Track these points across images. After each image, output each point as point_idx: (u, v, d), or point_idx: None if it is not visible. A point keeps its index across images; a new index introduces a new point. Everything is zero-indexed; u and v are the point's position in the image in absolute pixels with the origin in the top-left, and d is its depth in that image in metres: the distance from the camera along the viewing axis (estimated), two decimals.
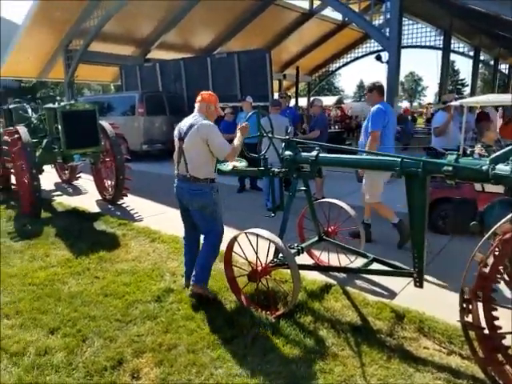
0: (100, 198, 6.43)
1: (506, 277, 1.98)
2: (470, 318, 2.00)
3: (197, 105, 3.15)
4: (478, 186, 4.12)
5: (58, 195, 6.87)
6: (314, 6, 17.53)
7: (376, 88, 4.32)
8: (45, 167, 6.12)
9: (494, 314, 1.96)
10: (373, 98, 4.34)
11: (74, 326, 2.74)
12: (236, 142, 3.11)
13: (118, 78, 14.88)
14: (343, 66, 23.46)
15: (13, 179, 6.00)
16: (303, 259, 3.48)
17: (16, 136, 5.30)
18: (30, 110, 6.90)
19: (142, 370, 2.32)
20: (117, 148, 5.92)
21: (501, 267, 1.93)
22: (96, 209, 5.95)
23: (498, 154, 2.32)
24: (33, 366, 2.34)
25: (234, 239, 3.01)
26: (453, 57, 17.64)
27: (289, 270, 2.84)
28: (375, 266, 3.26)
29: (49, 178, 7.42)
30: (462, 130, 6.35)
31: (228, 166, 3.42)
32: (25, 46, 13.37)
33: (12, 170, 5.74)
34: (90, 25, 12.77)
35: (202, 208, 3.04)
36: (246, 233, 2.97)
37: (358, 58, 22.39)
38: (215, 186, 3.07)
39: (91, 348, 2.51)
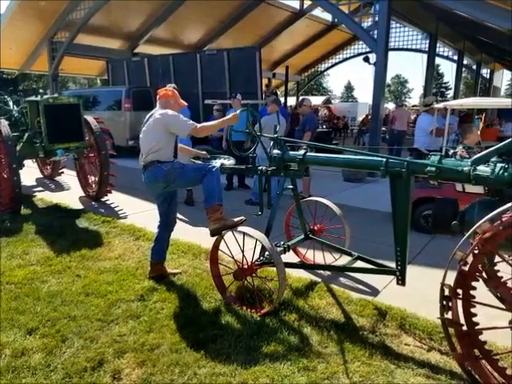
0: (83, 194, 6.31)
1: (484, 275, 2.02)
2: (449, 315, 2.03)
3: (157, 103, 3.28)
4: (459, 187, 4.21)
5: (39, 191, 6.71)
6: (305, 5, 17.61)
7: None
8: (26, 162, 5.98)
9: (473, 310, 2.00)
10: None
11: (53, 327, 2.67)
12: (217, 121, 3.28)
13: (105, 71, 14.65)
14: (332, 66, 23.61)
15: None
16: (289, 257, 3.50)
17: None
18: (11, 103, 6.73)
19: (124, 371, 2.28)
20: (101, 143, 5.81)
21: (480, 266, 1.98)
22: (79, 205, 5.84)
23: (479, 155, 2.37)
24: (8, 369, 2.25)
25: (221, 237, 3.00)
26: (437, 60, 17.93)
27: (275, 268, 2.85)
28: (359, 264, 3.30)
29: (30, 173, 7.26)
30: (445, 131, 6.51)
31: (216, 164, 3.41)
32: (7, 35, 12.99)
33: None
34: (77, 16, 12.51)
35: (166, 182, 3.09)
36: (232, 231, 2.96)
37: (346, 59, 22.57)
38: (164, 163, 3.10)
39: (71, 349, 2.45)
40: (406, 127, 10.37)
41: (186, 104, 3.39)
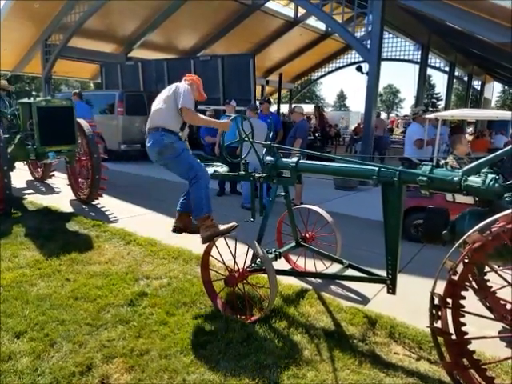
0: (74, 197, 6.25)
1: (474, 284, 2.04)
2: (438, 324, 2.04)
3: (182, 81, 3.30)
4: (449, 196, 4.26)
5: (29, 193, 6.64)
6: (299, 14, 17.82)
7: (76, 94, 8.06)
8: (16, 164, 5.93)
9: (462, 320, 2.02)
10: (75, 99, 7.46)
11: (41, 330, 2.63)
12: (209, 118, 3.33)
13: (98, 75, 14.63)
14: (325, 75, 23.88)
15: None
16: (280, 264, 3.49)
17: None
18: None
19: (112, 376, 2.26)
20: (93, 147, 5.78)
21: (469, 275, 2.00)
22: (69, 209, 5.78)
23: (470, 166, 2.40)
24: None
25: (213, 243, 2.99)
26: (429, 71, 18.26)
27: (265, 275, 2.84)
28: (350, 272, 3.31)
29: (20, 175, 7.18)
30: (437, 141, 6.58)
31: (209, 171, 3.41)
32: (1, 37, 12.93)
33: None
34: (71, 20, 12.50)
35: (159, 154, 3.11)
36: (224, 236, 2.96)
37: (339, 68, 22.86)
38: (168, 134, 3.09)
39: (59, 353, 2.42)
40: (383, 133, 12.39)
41: (205, 96, 3.39)
